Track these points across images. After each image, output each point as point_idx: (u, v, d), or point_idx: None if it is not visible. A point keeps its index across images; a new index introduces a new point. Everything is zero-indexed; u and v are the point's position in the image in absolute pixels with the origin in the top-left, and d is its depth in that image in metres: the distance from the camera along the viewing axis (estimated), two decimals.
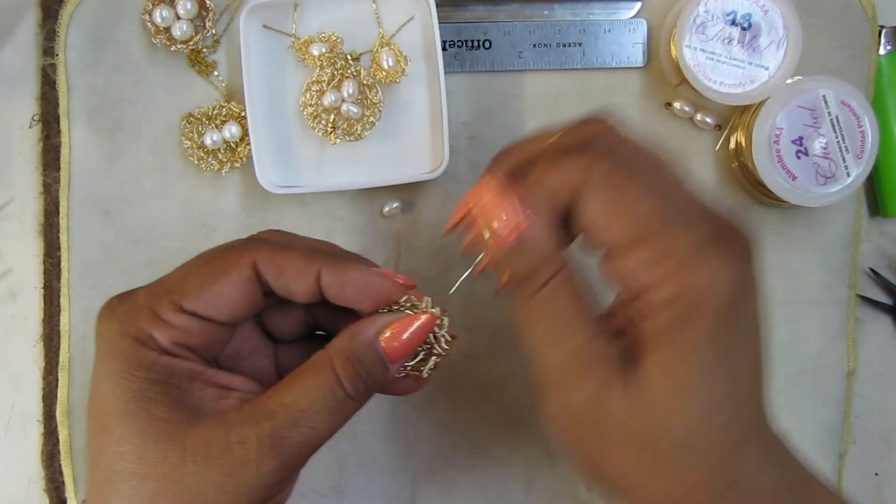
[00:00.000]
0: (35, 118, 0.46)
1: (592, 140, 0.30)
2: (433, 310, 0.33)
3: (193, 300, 0.31)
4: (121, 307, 0.31)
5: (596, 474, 0.29)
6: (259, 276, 0.31)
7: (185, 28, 0.43)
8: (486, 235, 0.30)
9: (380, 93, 0.43)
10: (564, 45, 0.45)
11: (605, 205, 0.28)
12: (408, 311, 0.33)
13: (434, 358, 0.34)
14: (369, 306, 0.32)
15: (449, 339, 0.34)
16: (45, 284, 0.46)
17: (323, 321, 0.36)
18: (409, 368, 0.34)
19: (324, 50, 0.43)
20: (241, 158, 0.44)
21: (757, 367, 0.28)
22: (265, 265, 0.31)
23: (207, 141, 0.44)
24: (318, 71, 0.43)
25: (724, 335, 0.27)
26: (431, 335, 0.33)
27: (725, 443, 0.27)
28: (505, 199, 0.29)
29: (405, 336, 0.32)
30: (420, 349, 0.34)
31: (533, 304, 0.30)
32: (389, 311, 0.33)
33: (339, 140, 0.43)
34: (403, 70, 0.43)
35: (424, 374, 0.34)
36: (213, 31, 0.44)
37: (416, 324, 0.32)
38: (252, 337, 0.35)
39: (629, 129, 0.31)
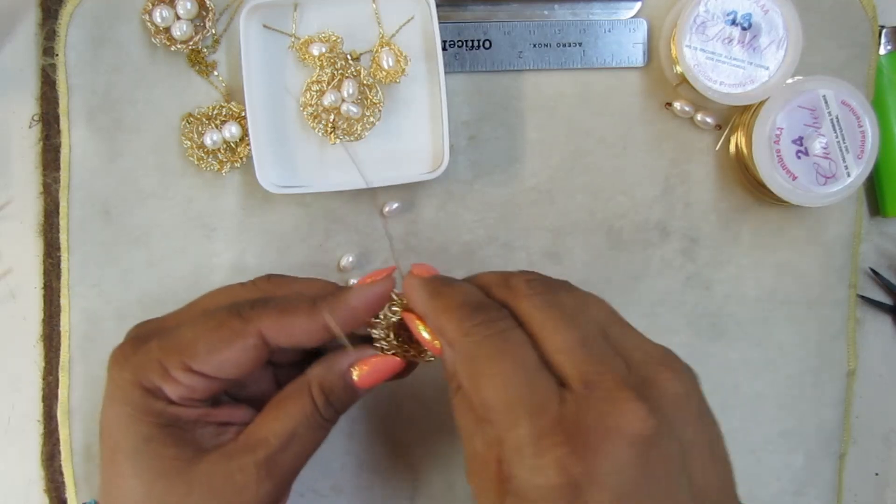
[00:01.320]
0: (35, 118, 0.46)
1: (497, 294, 0.33)
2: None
3: (201, 364, 0.34)
4: (134, 357, 0.34)
5: None
6: (266, 342, 0.34)
7: (185, 28, 0.43)
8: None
9: (380, 93, 0.43)
10: (564, 45, 0.45)
11: (464, 379, 0.31)
12: (382, 344, 0.36)
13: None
14: (370, 314, 0.36)
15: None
16: (45, 284, 0.46)
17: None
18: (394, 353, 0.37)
19: (324, 50, 0.43)
20: (241, 158, 0.44)
21: None
22: (272, 332, 0.34)
23: (207, 141, 0.44)
24: (318, 71, 0.43)
25: None
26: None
27: None
28: (418, 332, 0.35)
29: (375, 371, 0.36)
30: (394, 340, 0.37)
31: (452, 403, 0.33)
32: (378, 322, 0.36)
33: (339, 140, 0.43)
34: (403, 70, 0.43)
35: (412, 360, 0.37)
36: (213, 31, 0.44)
37: (387, 364, 0.36)
38: (262, 371, 0.38)
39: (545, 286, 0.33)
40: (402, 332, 0.36)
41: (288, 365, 0.38)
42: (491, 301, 0.33)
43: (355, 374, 0.36)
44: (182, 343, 0.34)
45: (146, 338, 0.35)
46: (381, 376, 0.36)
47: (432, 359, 0.36)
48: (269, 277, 0.38)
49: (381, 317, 0.36)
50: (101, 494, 0.35)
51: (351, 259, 0.45)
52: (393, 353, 0.36)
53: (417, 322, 0.35)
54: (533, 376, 0.30)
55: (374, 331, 0.37)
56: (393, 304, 0.36)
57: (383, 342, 0.36)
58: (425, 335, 0.35)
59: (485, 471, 0.30)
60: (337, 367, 0.36)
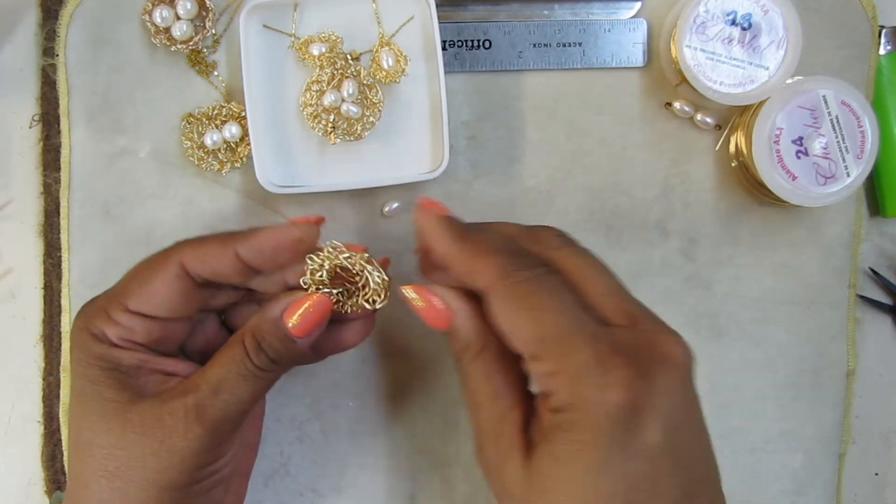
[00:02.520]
0: (35, 118, 0.46)
1: (536, 245, 0.34)
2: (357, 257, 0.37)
3: (135, 301, 0.35)
4: (86, 308, 0.36)
5: None
6: (188, 273, 0.36)
7: (185, 28, 0.43)
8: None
9: (380, 93, 0.43)
10: (564, 45, 0.45)
11: (507, 315, 0.32)
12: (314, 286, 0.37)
13: (366, 295, 0.37)
14: (291, 257, 0.36)
15: (381, 276, 0.37)
16: (45, 284, 0.46)
17: None
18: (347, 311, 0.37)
19: (324, 50, 0.43)
20: (241, 158, 0.44)
21: (644, 484, 0.29)
22: (189, 260, 0.35)
23: (208, 141, 0.44)
24: (318, 71, 0.43)
25: (606, 448, 0.29)
26: (363, 274, 0.37)
27: None
28: (426, 294, 0.35)
29: (302, 312, 0.36)
30: (347, 289, 0.37)
31: (461, 376, 0.34)
32: (311, 264, 0.36)
33: (338, 140, 0.43)
34: (403, 70, 0.43)
35: (348, 310, 0.37)
36: (213, 31, 0.44)
37: (309, 302, 0.36)
38: (218, 337, 0.39)
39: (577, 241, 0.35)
40: (338, 282, 0.37)
41: (233, 309, 0.40)
42: (524, 248, 0.34)
43: (290, 322, 0.36)
44: (120, 287, 0.36)
45: (99, 294, 0.37)
46: (313, 319, 0.36)
47: (369, 307, 0.37)
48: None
49: (316, 265, 0.36)
50: (68, 437, 0.37)
51: None
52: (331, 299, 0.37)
53: (411, 291, 0.35)
54: (581, 311, 0.31)
55: (304, 278, 0.37)
56: (337, 256, 0.37)
57: (313, 287, 0.37)
58: (428, 314, 0.35)
59: (506, 432, 0.32)
60: (269, 314, 0.36)
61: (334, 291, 0.37)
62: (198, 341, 0.39)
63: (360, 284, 0.37)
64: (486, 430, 0.33)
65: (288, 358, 0.36)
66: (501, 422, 0.32)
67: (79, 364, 0.35)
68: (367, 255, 0.37)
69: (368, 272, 0.37)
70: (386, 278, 0.37)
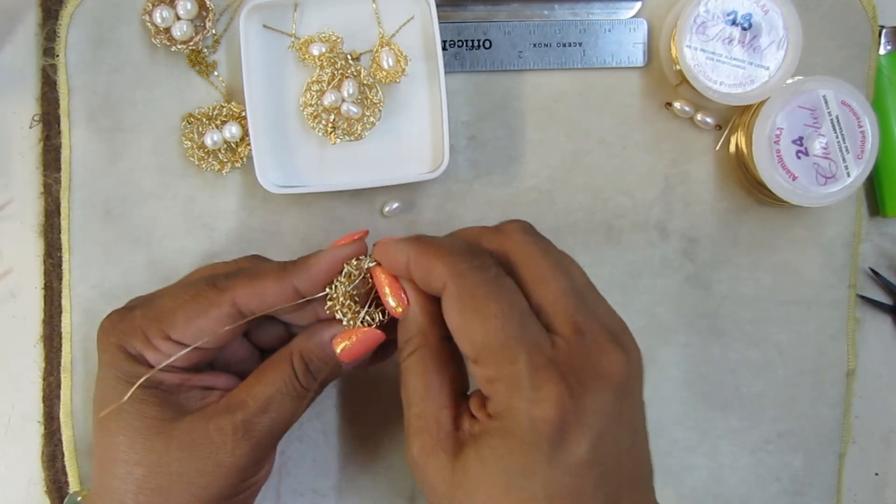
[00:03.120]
0: (35, 118, 0.46)
1: (498, 241, 0.34)
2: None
3: (180, 332, 0.35)
4: (120, 325, 0.36)
5: None
6: (241, 310, 0.35)
7: (185, 28, 0.43)
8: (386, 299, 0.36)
9: (380, 93, 0.43)
10: (564, 45, 0.45)
11: (455, 315, 0.32)
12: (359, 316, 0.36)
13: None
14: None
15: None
16: (45, 284, 0.46)
17: (300, 329, 0.39)
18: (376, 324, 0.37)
19: (324, 50, 0.43)
20: (241, 158, 0.44)
21: (566, 495, 0.30)
22: (245, 299, 0.35)
23: (208, 141, 0.44)
24: (318, 71, 0.43)
25: (531, 457, 0.30)
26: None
27: None
28: (393, 283, 0.35)
29: (356, 341, 0.36)
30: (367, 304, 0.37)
31: (402, 367, 0.35)
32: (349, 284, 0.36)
33: (339, 140, 0.43)
34: (403, 70, 0.43)
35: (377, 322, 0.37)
36: (214, 32, 0.44)
37: (369, 336, 0.36)
38: (241, 349, 0.39)
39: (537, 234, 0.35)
40: (357, 298, 0.37)
41: (272, 352, 0.39)
42: (480, 248, 0.34)
43: (338, 348, 0.36)
44: (162, 312, 0.35)
45: (132, 308, 0.37)
46: (362, 348, 0.36)
47: (383, 320, 0.37)
48: (253, 257, 0.40)
49: (336, 284, 0.36)
50: (94, 454, 0.36)
51: None
52: (348, 318, 0.36)
53: (383, 279, 0.35)
54: (527, 319, 0.31)
55: (329, 292, 0.36)
56: (350, 270, 0.37)
57: (337, 306, 0.36)
58: (389, 299, 0.35)
59: (432, 430, 0.33)
60: (318, 337, 0.37)
61: (348, 306, 0.37)
62: (223, 354, 0.39)
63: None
64: (414, 426, 0.33)
65: (332, 378, 0.38)
66: (429, 419, 0.33)
67: (114, 381, 0.35)
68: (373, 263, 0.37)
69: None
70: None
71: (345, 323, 0.36)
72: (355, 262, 0.36)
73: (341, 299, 0.36)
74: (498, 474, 0.30)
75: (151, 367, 0.35)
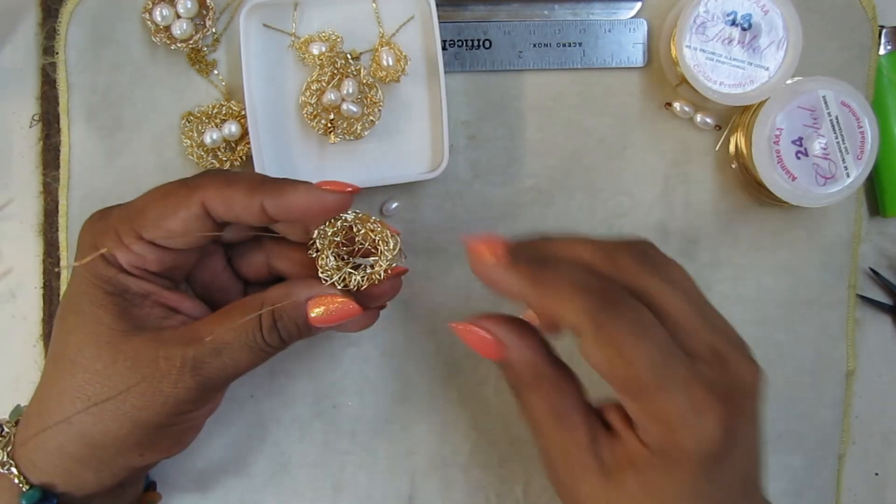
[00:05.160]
0: (35, 118, 0.46)
1: (617, 270, 0.33)
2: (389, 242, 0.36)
3: (151, 231, 0.34)
4: (98, 223, 0.36)
5: None
6: (209, 212, 0.35)
7: (185, 27, 0.43)
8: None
9: (380, 92, 0.43)
10: (564, 45, 0.45)
11: (600, 357, 0.31)
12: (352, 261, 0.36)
13: (367, 272, 0.36)
14: (317, 221, 0.36)
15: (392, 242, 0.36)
16: (44, 284, 0.46)
17: (281, 269, 0.39)
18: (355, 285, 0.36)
19: (324, 49, 0.43)
20: (240, 157, 0.44)
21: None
22: (213, 202, 0.34)
23: (207, 140, 0.44)
24: (318, 70, 0.43)
25: (697, 481, 0.31)
26: (384, 245, 0.36)
27: None
28: (477, 332, 0.34)
29: (332, 310, 0.35)
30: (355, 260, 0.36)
31: (518, 403, 0.34)
32: (334, 235, 0.35)
33: (338, 139, 0.43)
34: (403, 69, 0.43)
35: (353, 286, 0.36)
36: (214, 30, 0.44)
37: (346, 307, 0.35)
38: (223, 274, 0.39)
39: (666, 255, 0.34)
40: (344, 250, 0.36)
41: (256, 286, 0.39)
42: (610, 283, 0.32)
43: (313, 312, 0.35)
44: (134, 212, 0.35)
45: (110, 209, 0.36)
46: (336, 319, 0.36)
47: (374, 282, 0.36)
48: (220, 170, 0.39)
49: (326, 231, 0.36)
50: (49, 349, 0.36)
51: None
52: (328, 273, 0.35)
53: (460, 327, 0.34)
54: (673, 350, 0.31)
55: (317, 241, 0.36)
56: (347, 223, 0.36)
57: (321, 257, 0.35)
58: (484, 335, 0.34)
59: (574, 453, 0.32)
60: (294, 296, 0.35)
61: (346, 260, 0.36)
62: (203, 274, 0.39)
63: (377, 252, 0.36)
64: (554, 452, 0.33)
65: (300, 339, 0.36)
66: (568, 443, 0.33)
67: (81, 281, 0.35)
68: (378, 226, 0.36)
69: (384, 240, 0.36)
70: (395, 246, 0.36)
71: (322, 276, 0.35)
72: (354, 219, 0.35)
73: (326, 252, 0.35)
74: (663, 499, 0.31)
75: (123, 268, 0.35)
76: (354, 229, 0.36)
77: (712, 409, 0.30)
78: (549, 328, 0.33)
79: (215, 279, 0.39)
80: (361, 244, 0.36)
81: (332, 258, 0.35)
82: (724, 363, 0.32)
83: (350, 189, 0.35)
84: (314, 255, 0.36)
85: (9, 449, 0.36)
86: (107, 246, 0.35)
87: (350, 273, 0.35)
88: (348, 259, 0.36)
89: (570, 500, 0.33)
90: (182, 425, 0.37)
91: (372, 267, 0.36)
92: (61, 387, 0.35)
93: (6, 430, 0.37)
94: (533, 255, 0.33)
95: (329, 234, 0.36)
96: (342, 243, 0.36)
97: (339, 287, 0.35)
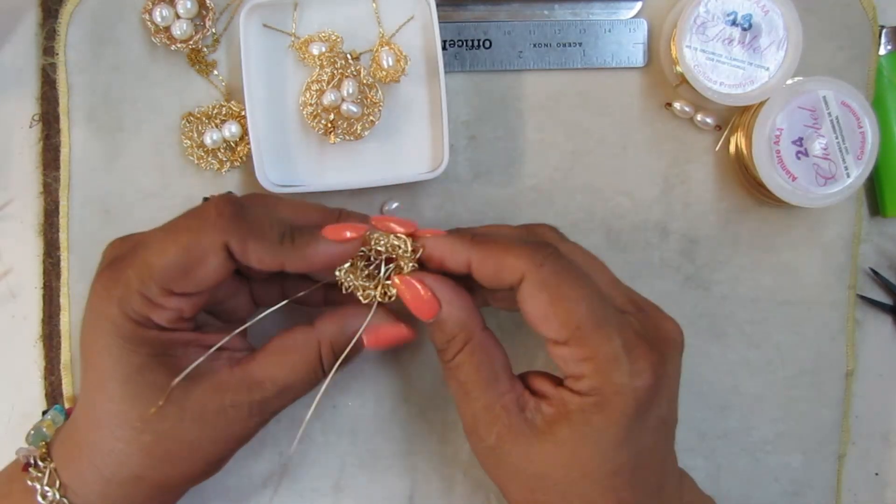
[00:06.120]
0: (35, 118, 0.46)
1: (541, 239, 0.36)
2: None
3: (181, 287, 0.34)
4: (116, 291, 0.34)
5: (506, 498, 0.36)
6: (235, 256, 0.35)
7: (185, 27, 0.43)
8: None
9: (380, 92, 0.43)
10: (564, 45, 0.45)
11: (541, 299, 0.33)
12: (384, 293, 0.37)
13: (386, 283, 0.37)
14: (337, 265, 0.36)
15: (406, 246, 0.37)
16: (44, 284, 0.46)
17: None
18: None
19: (324, 49, 0.43)
20: (240, 158, 0.44)
21: (650, 450, 0.34)
22: (235, 249, 0.34)
23: (207, 140, 0.44)
24: (318, 70, 0.43)
25: (630, 426, 0.33)
26: (399, 251, 0.36)
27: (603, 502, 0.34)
28: (416, 286, 0.35)
29: (388, 338, 0.38)
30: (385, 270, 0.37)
31: (446, 367, 0.36)
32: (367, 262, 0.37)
33: (338, 139, 0.43)
34: (403, 69, 0.43)
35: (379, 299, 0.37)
36: (213, 31, 0.44)
37: (399, 333, 0.38)
38: (231, 284, 0.39)
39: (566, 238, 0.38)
40: (364, 270, 0.37)
41: (260, 282, 0.40)
42: (542, 241, 0.35)
43: (366, 340, 0.37)
44: (158, 270, 0.34)
45: (122, 267, 0.35)
46: (391, 344, 0.38)
47: (390, 300, 0.37)
48: (258, 196, 0.39)
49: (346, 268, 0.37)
50: (86, 413, 0.36)
51: None
52: (352, 290, 0.37)
53: (399, 281, 0.36)
54: (604, 297, 0.34)
55: (339, 276, 0.37)
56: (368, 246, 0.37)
57: (347, 279, 0.36)
58: (423, 292, 0.35)
59: (502, 416, 0.34)
60: (350, 330, 0.37)
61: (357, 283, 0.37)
62: (219, 300, 0.39)
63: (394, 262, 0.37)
64: (483, 418, 0.34)
65: (348, 363, 0.38)
66: (496, 408, 0.34)
67: (119, 351, 0.34)
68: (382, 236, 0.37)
69: (392, 245, 0.36)
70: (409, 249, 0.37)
71: (361, 298, 0.37)
72: (376, 243, 0.36)
73: (357, 282, 0.37)
74: (598, 447, 0.33)
75: (160, 327, 0.35)
76: (367, 252, 0.37)
77: (645, 353, 0.33)
78: (492, 280, 0.35)
79: (225, 293, 0.39)
80: (378, 255, 0.37)
81: (367, 286, 0.37)
82: (647, 316, 0.35)
83: (353, 235, 0.36)
84: (348, 291, 0.37)
85: (56, 487, 0.36)
86: (138, 311, 0.34)
87: (387, 284, 0.37)
88: (375, 275, 0.37)
89: (498, 467, 0.35)
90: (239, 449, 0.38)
91: (401, 269, 0.36)
92: (124, 451, 0.34)
93: (41, 463, 0.36)
94: (470, 229, 0.37)
95: (348, 269, 0.37)
96: (366, 264, 0.37)
97: (383, 300, 0.37)
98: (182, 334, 0.36)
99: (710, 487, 0.46)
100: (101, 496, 0.35)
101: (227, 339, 0.36)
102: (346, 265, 0.36)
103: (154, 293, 0.34)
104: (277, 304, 0.40)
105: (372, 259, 0.37)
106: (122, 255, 0.35)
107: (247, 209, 0.35)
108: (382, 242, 0.36)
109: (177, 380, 0.34)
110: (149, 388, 0.34)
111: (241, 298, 0.40)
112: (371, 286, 0.37)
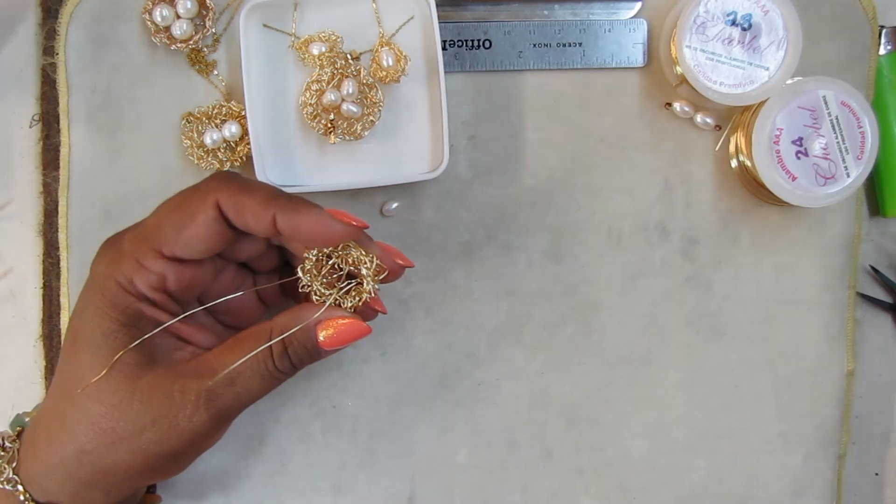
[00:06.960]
0: (35, 118, 0.46)
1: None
2: (369, 283, 0.36)
3: (170, 244, 0.34)
4: (110, 253, 0.35)
5: None
6: (223, 214, 0.35)
7: (185, 27, 0.43)
8: None
9: (380, 92, 0.43)
10: (564, 45, 0.45)
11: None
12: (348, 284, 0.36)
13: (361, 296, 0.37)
14: (323, 244, 0.36)
15: (375, 288, 0.36)
16: (44, 284, 0.46)
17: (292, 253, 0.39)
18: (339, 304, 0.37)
19: (324, 49, 0.43)
20: (240, 158, 0.44)
21: None
22: (227, 206, 0.35)
23: (207, 140, 0.44)
24: (318, 70, 0.43)
25: None
26: (363, 267, 0.36)
27: None
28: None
29: (341, 331, 0.36)
30: (345, 284, 0.37)
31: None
32: (328, 259, 0.36)
33: (338, 139, 0.43)
34: (403, 69, 0.43)
35: (349, 308, 0.37)
36: (214, 31, 0.44)
37: (353, 327, 0.36)
38: (236, 277, 0.39)
39: None
40: (330, 274, 0.36)
41: (264, 275, 0.40)
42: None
43: (321, 335, 0.36)
44: (149, 230, 0.35)
45: (122, 233, 0.36)
46: (346, 340, 0.36)
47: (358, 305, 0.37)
48: (233, 173, 0.39)
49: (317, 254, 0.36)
50: (56, 375, 0.36)
51: None
52: (314, 291, 0.36)
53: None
54: None
55: (307, 257, 0.36)
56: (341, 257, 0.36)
57: (309, 276, 0.36)
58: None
59: None
60: (302, 321, 0.36)
61: (335, 288, 0.37)
62: (215, 288, 0.39)
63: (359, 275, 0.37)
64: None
65: (309, 363, 0.37)
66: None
67: (94, 311, 0.35)
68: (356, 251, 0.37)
69: (359, 261, 0.36)
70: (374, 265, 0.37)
71: (315, 299, 0.36)
72: (331, 251, 0.36)
73: (317, 282, 0.36)
74: None
75: (140, 293, 0.35)
76: (333, 258, 0.36)
77: None
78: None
79: (229, 286, 0.39)
80: (341, 269, 0.36)
81: (323, 288, 0.36)
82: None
83: (356, 223, 0.36)
84: (306, 290, 0.36)
85: (14, 465, 0.36)
86: (124, 272, 0.35)
87: (343, 295, 0.36)
88: (337, 284, 0.36)
89: None
90: (193, 453, 0.37)
91: (360, 284, 0.36)
92: (74, 418, 0.35)
93: (8, 444, 0.37)
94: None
95: (313, 261, 0.36)
96: (330, 272, 0.37)
97: (345, 307, 0.36)
98: (155, 311, 0.35)
99: (710, 487, 0.46)
100: (44, 474, 0.35)
101: (175, 320, 0.36)
102: (312, 262, 0.36)
103: (143, 253, 0.34)
104: (278, 304, 0.40)
105: (336, 267, 0.36)
106: (127, 229, 0.37)
107: (241, 175, 0.36)
108: (353, 255, 0.36)
109: (122, 353, 0.34)
110: (109, 356, 0.34)
111: (225, 279, 0.39)
112: (327, 294, 0.36)
